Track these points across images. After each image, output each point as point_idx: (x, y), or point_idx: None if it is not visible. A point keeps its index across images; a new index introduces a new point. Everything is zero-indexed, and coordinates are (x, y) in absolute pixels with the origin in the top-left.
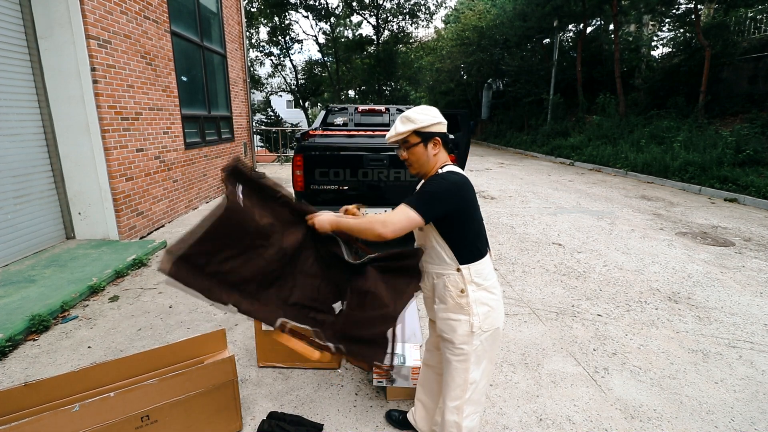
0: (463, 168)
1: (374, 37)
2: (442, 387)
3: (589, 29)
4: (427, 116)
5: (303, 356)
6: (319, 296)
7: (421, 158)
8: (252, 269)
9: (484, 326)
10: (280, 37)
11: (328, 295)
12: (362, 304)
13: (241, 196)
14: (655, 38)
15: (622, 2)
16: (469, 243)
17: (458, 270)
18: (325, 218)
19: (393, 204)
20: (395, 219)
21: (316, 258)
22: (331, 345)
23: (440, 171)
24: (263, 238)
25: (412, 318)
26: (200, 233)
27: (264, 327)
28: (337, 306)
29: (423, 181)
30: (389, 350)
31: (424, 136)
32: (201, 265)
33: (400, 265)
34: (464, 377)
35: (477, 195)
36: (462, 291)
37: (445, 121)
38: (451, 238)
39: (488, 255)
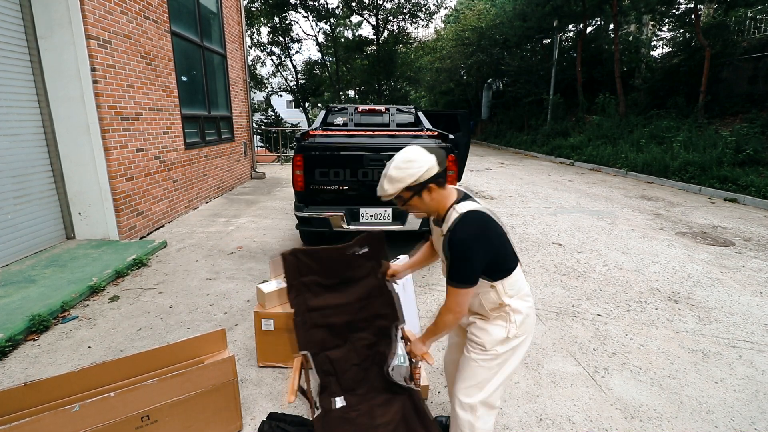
0: (462, 168)
1: (374, 37)
2: (456, 377)
3: (589, 29)
4: (413, 168)
5: (287, 388)
6: (345, 372)
7: (421, 206)
8: (322, 303)
9: (519, 333)
10: (280, 37)
11: (352, 381)
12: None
13: (360, 252)
14: (655, 38)
15: (622, 2)
16: (501, 265)
17: (492, 287)
18: (419, 344)
19: (393, 204)
20: (455, 306)
21: (369, 345)
22: (314, 406)
23: (452, 219)
24: (347, 285)
25: (412, 317)
26: (318, 250)
27: (264, 327)
28: (339, 401)
29: (443, 228)
30: None
31: (416, 189)
32: (302, 267)
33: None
34: (485, 377)
35: (477, 195)
36: (500, 304)
37: (435, 163)
38: (483, 270)
39: (518, 266)
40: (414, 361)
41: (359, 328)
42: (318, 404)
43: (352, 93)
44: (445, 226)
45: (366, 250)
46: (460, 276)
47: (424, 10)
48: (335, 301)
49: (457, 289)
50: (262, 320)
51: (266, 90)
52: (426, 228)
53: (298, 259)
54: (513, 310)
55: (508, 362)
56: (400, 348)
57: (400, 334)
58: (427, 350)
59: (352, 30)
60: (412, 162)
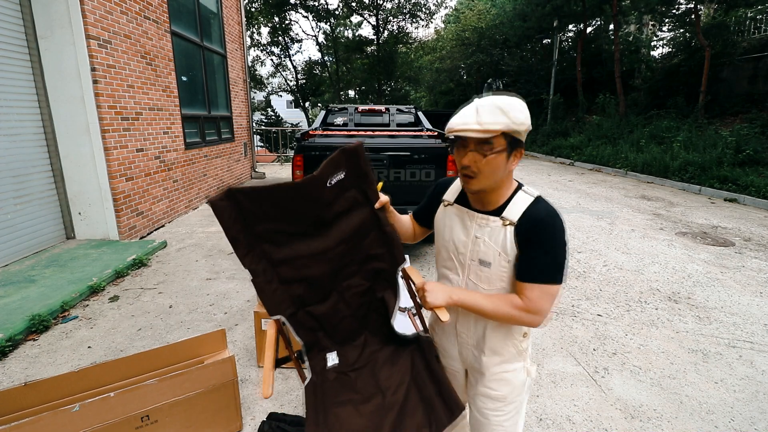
0: None
1: (374, 37)
2: None
3: (589, 29)
4: (524, 114)
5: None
6: (336, 325)
7: (497, 171)
8: (291, 254)
9: (534, 367)
10: (280, 37)
11: (346, 332)
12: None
13: (334, 181)
14: (655, 38)
15: (622, 2)
16: None
17: None
18: (439, 291)
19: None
20: (544, 306)
21: (363, 292)
22: (307, 373)
23: (524, 201)
24: (322, 228)
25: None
26: (269, 190)
27: (264, 327)
28: (332, 357)
29: (498, 220)
30: None
31: (514, 142)
32: (248, 216)
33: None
34: None
35: None
36: (525, 334)
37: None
38: None
39: None
40: (417, 311)
41: (347, 274)
42: (308, 365)
43: (352, 93)
44: (512, 211)
45: (342, 176)
46: (557, 267)
47: (424, 10)
48: (308, 249)
49: (551, 286)
50: (262, 320)
51: (266, 90)
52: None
53: (239, 205)
54: (528, 343)
55: (525, 400)
56: (404, 295)
57: (401, 276)
58: (444, 305)
59: (352, 30)
60: (523, 108)
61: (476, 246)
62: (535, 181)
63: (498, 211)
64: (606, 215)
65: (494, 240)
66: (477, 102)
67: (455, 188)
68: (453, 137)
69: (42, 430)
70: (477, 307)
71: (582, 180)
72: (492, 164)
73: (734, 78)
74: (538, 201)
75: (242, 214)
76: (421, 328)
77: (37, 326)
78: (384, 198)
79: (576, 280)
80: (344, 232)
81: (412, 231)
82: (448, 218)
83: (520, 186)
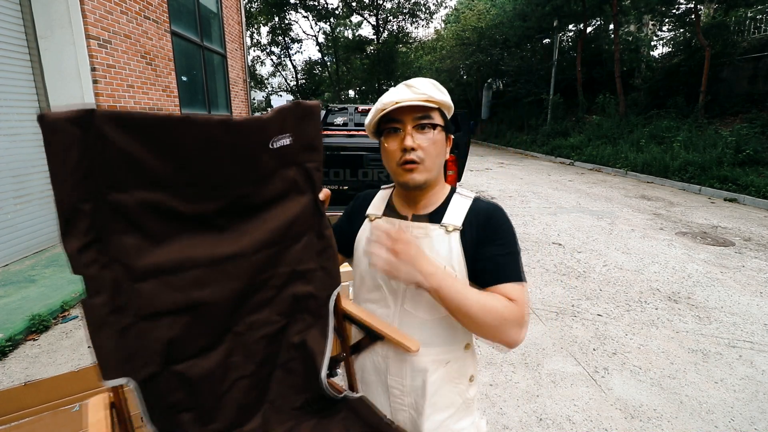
0: (462, 168)
1: (374, 37)
2: None
3: (589, 29)
4: (447, 96)
5: None
6: (222, 399)
7: (441, 153)
8: (174, 257)
9: (483, 421)
10: (280, 37)
11: (234, 409)
12: None
13: (277, 144)
14: (655, 38)
15: (622, 2)
16: None
17: (468, 346)
18: (405, 262)
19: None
20: (524, 311)
21: (272, 336)
22: None
23: (462, 204)
24: (238, 217)
25: None
26: (163, 120)
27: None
28: None
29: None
30: None
31: (446, 125)
32: (106, 164)
33: None
34: None
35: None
36: (471, 378)
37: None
38: None
39: None
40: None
41: (256, 304)
42: None
43: (352, 93)
44: (453, 215)
45: (288, 140)
46: (520, 263)
47: (424, 9)
48: (207, 251)
49: (520, 288)
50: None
51: (266, 90)
52: None
53: (100, 139)
54: (475, 390)
55: None
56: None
57: (333, 305)
58: (402, 277)
59: (352, 30)
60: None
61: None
62: (535, 181)
63: (435, 217)
64: (606, 215)
65: (437, 252)
66: (399, 84)
67: (380, 198)
68: (382, 127)
69: (42, 430)
70: (458, 299)
71: (582, 180)
72: (437, 144)
73: (734, 78)
74: (478, 200)
75: (95, 156)
76: (346, 385)
77: (37, 326)
78: (326, 190)
79: (576, 280)
80: (270, 231)
81: None
82: (375, 237)
83: (453, 189)
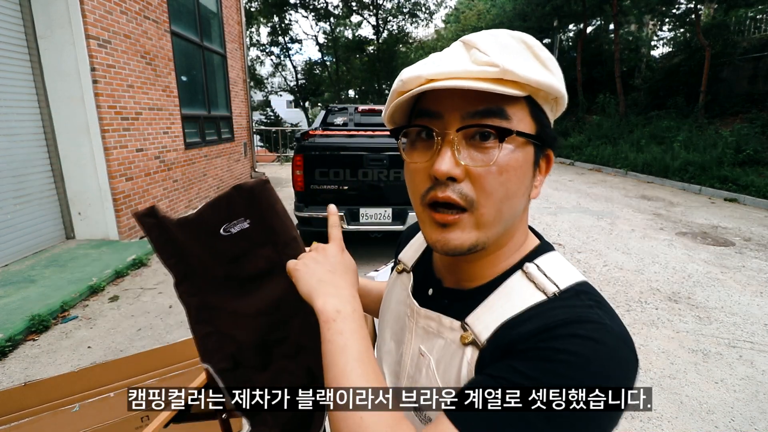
0: None
1: (374, 37)
2: None
3: (589, 29)
4: (557, 71)
5: None
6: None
7: (515, 189)
8: (221, 303)
9: None
10: (280, 37)
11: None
12: None
13: (234, 230)
14: (655, 38)
15: (623, 2)
16: None
17: None
18: (316, 283)
19: (393, 204)
20: None
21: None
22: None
23: (530, 296)
24: (239, 287)
25: None
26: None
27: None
28: None
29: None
30: None
31: (542, 128)
32: (177, 243)
33: None
34: None
35: None
36: None
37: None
38: None
39: None
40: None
41: (280, 355)
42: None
43: (352, 93)
44: (486, 312)
45: (246, 224)
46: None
47: (424, 9)
48: (233, 305)
49: None
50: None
51: (266, 90)
52: None
53: (166, 230)
54: None
55: None
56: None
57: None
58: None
59: (352, 30)
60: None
61: (417, 366)
62: None
63: (470, 301)
64: (606, 215)
65: (443, 368)
66: (466, 38)
67: (422, 240)
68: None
69: (42, 430)
70: (334, 372)
71: (582, 180)
72: (512, 172)
73: (734, 78)
74: (561, 301)
75: (171, 238)
76: None
77: (37, 326)
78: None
79: None
80: (264, 302)
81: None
82: (396, 292)
83: (536, 252)
